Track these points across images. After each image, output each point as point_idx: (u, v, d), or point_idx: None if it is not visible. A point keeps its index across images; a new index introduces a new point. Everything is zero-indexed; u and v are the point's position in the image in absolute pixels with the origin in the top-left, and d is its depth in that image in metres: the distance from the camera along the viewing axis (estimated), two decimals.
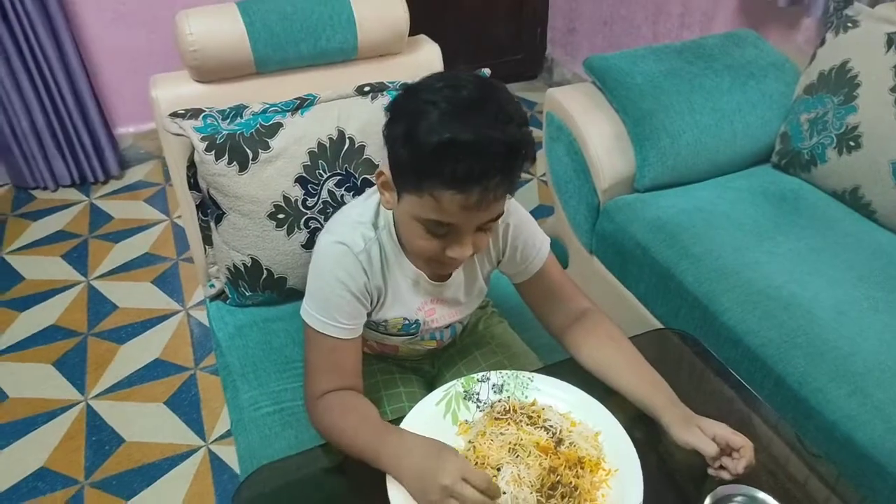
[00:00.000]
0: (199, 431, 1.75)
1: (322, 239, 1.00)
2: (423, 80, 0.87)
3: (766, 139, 1.82)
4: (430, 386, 1.21)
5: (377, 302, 1.02)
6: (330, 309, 0.95)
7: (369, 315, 1.03)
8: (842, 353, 1.27)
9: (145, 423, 1.77)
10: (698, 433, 0.88)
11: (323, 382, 0.96)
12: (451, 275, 1.04)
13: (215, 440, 1.73)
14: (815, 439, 1.23)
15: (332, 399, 0.95)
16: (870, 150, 1.58)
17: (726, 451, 0.87)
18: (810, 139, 1.70)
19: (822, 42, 1.73)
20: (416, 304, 1.04)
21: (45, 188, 2.72)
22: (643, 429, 0.93)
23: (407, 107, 0.84)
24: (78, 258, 2.35)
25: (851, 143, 1.61)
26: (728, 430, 0.87)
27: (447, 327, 1.13)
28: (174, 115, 1.20)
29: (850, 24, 1.67)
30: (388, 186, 0.91)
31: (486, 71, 1.34)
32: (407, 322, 1.06)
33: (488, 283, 1.13)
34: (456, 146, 0.78)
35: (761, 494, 0.80)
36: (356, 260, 0.95)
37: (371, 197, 1.03)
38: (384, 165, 0.91)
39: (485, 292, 1.14)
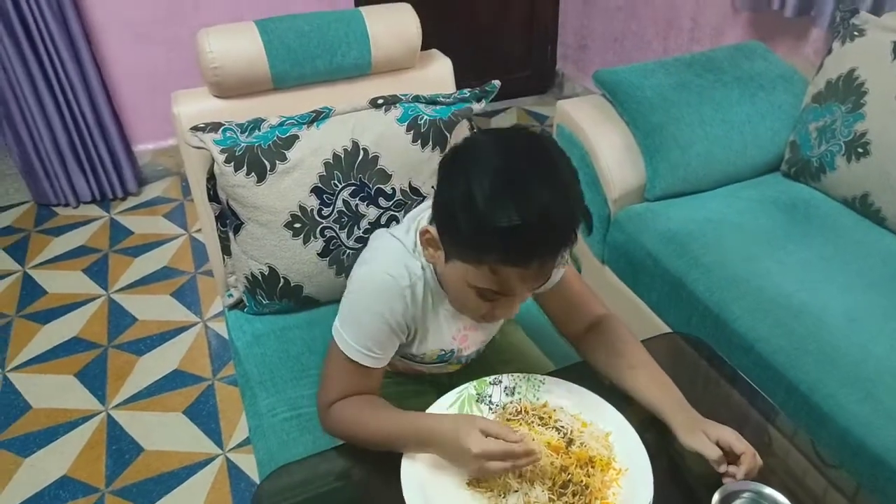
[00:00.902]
0: (217, 440, 1.78)
1: (365, 268, 0.98)
2: (474, 141, 0.86)
3: (775, 149, 1.83)
4: None
5: (415, 335, 1.02)
6: (365, 338, 0.95)
7: (408, 348, 1.04)
8: (853, 359, 1.28)
9: (164, 433, 1.80)
10: (702, 438, 0.89)
11: (339, 394, 0.97)
12: None
13: (233, 449, 1.76)
14: (827, 445, 1.23)
15: (345, 401, 0.96)
16: (878, 157, 1.59)
17: (731, 455, 0.88)
18: (819, 147, 1.72)
19: (829, 51, 1.75)
20: (451, 333, 1.05)
21: (67, 205, 2.78)
22: (654, 429, 0.95)
23: (462, 170, 0.81)
24: (98, 272, 2.40)
25: (860, 151, 1.62)
26: (733, 435, 0.88)
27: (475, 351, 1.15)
28: (195, 128, 1.24)
29: (856, 33, 1.69)
30: (433, 244, 0.90)
31: (496, 83, 1.37)
32: (443, 352, 1.07)
33: None
34: (522, 229, 0.77)
35: (768, 490, 0.81)
36: (401, 294, 0.94)
37: (409, 233, 1.00)
38: (427, 223, 0.91)
39: None
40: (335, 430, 0.97)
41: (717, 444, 0.88)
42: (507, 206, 0.77)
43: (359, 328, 0.95)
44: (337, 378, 0.98)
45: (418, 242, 0.97)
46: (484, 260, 0.82)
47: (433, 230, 0.89)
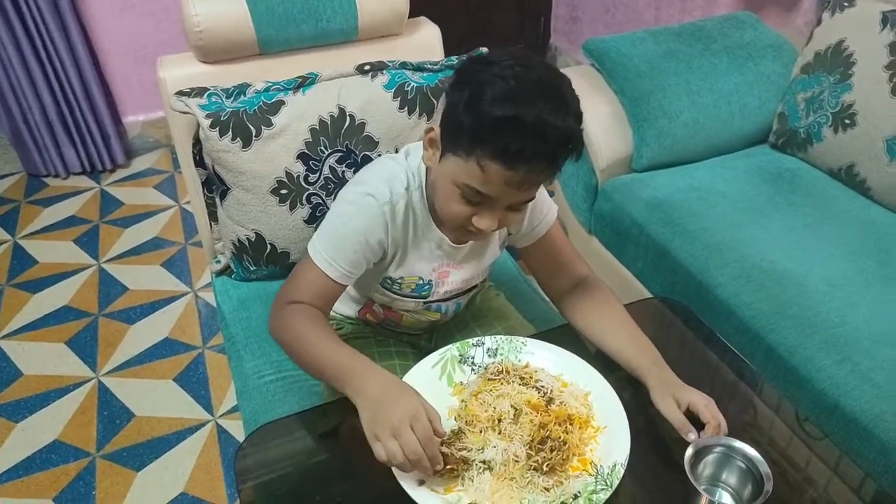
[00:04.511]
0: (207, 406, 1.80)
1: (350, 188, 1.02)
2: (496, 54, 0.89)
3: (763, 119, 1.84)
4: None
5: (393, 257, 1.04)
6: (335, 251, 0.97)
7: (387, 270, 1.05)
8: (832, 323, 1.30)
9: (155, 399, 1.82)
10: (671, 404, 0.91)
11: (300, 296, 0.98)
12: None
13: (223, 415, 1.78)
14: (804, 406, 1.26)
15: (303, 308, 0.97)
16: (865, 128, 1.60)
17: (699, 421, 0.89)
18: (806, 118, 1.73)
19: (819, 22, 1.75)
20: (432, 265, 1.07)
21: (57, 175, 2.77)
22: (632, 389, 0.97)
23: (476, 75, 0.85)
24: (89, 242, 2.40)
25: (847, 122, 1.63)
26: (702, 402, 0.89)
27: (452, 299, 1.15)
28: (180, 93, 1.24)
29: (846, 4, 1.69)
30: (434, 144, 0.94)
31: (484, 50, 1.37)
32: (420, 282, 1.08)
33: (501, 250, 1.16)
34: (516, 123, 0.80)
35: (738, 443, 0.83)
36: (380, 211, 0.97)
37: (408, 158, 1.04)
38: (435, 122, 0.93)
39: (496, 257, 1.16)
40: (276, 331, 0.97)
41: (688, 409, 0.90)
42: (509, 106, 0.81)
43: (331, 240, 0.98)
44: (300, 281, 0.99)
45: (413, 160, 1.01)
46: (474, 152, 0.85)
47: (437, 129, 0.92)
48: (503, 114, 0.81)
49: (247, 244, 1.32)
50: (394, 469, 0.84)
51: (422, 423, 0.80)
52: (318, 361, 0.92)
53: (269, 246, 1.32)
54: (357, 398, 0.86)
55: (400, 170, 1.01)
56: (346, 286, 1.02)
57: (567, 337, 1.07)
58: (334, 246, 0.98)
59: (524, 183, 0.86)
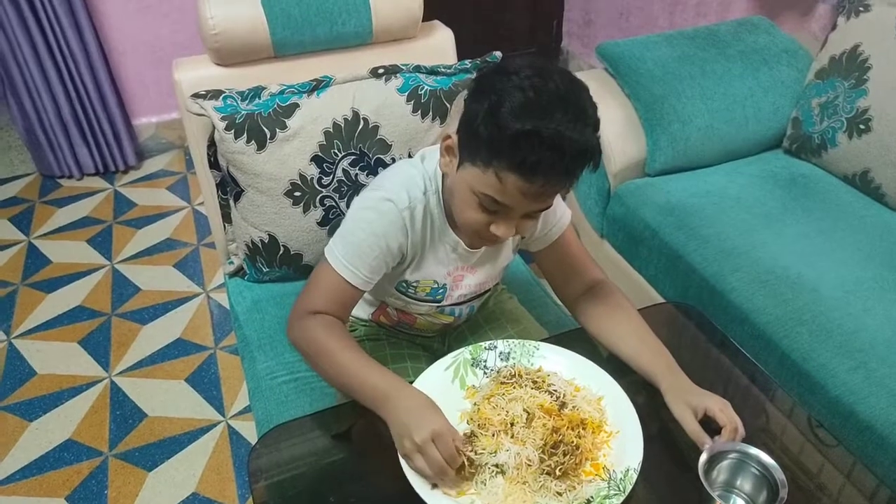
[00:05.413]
0: (219, 407, 1.80)
1: (368, 193, 1.02)
2: (515, 64, 0.88)
3: (777, 125, 1.83)
4: None
5: (411, 261, 1.04)
6: (356, 257, 0.97)
7: (403, 274, 1.06)
8: (847, 329, 1.29)
9: (167, 399, 1.83)
10: (685, 410, 0.91)
11: (320, 304, 0.98)
12: None
13: (234, 416, 1.78)
14: (818, 413, 1.25)
15: (326, 319, 0.97)
16: (880, 134, 1.59)
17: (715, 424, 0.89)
18: (821, 124, 1.72)
19: (834, 27, 1.74)
20: (447, 268, 1.07)
21: (71, 176, 2.79)
22: (645, 394, 0.96)
23: (494, 86, 0.85)
24: (102, 243, 2.42)
25: (862, 127, 1.62)
26: (718, 406, 0.89)
27: (466, 303, 1.16)
28: (195, 95, 1.25)
29: (861, 9, 1.68)
30: (451, 152, 0.94)
31: (498, 54, 1.38)
32: (435, 286, 1.09)
33: (515, 253, 1.16)
34: (534, 136, 0.81)
35: (753, 450, 0.83)
36: (399, 217, 0.97)
37: (424, 162, 1.04)
38: (452, 130, 0.94)
39: (509, 261, 1.16)
40: (299, 343, 0.98)
41: (704, 414, 0.89)
42: (527, 119, 0.81)
43: (351, 246, 0.98)
44: (319, 289, 1.00)
45: (430, 165, 1.02)
46: (492, 164, 0.85)
47: (455, 137, 0.93)
48: (521, 127, 0.81)
49: (260, 246, 1.33)
50: (406, 472, 0.84)
51: (444, 440, 0.83)
52: (348, 381, 0.94)
53: (282, 248, 1.33)
54: (388, 418, 0.89)
55: (417, 174, 1.01)
56: (365, 292, 1.02)
57: (580, 341, 1.06)
58: (354, 252, 0.97)
59: (541, 194, 0.87)
